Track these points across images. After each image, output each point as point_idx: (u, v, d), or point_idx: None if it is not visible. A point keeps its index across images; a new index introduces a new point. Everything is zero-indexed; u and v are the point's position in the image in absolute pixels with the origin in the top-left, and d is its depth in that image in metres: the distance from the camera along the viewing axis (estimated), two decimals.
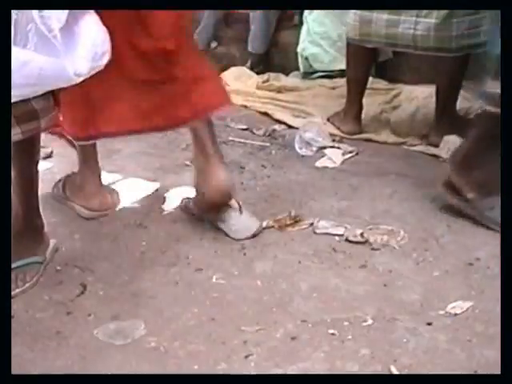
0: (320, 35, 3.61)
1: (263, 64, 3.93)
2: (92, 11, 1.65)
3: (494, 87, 2.03)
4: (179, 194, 2.41)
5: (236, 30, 4.16)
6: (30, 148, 1.88)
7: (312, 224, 2.20)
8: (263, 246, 2.10)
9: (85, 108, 2.00)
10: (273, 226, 2.19)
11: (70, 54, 1.57)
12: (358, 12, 2.82)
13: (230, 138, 2.98)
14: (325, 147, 2.83)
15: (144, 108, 2.03)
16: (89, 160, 2.31)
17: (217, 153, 2.13)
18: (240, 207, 2.16)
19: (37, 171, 1.96)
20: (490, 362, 1.58)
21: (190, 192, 2.36)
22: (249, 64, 3.91)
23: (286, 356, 1.61)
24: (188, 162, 2.64)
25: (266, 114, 3.30)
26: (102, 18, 1.66)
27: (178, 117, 2.07)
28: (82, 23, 1.62)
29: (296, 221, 2.21)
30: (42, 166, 2.47)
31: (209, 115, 2.15)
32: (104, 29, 1.66)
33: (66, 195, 2.36)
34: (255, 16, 3.87)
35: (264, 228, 2.18)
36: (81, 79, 1.62)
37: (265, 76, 3.74)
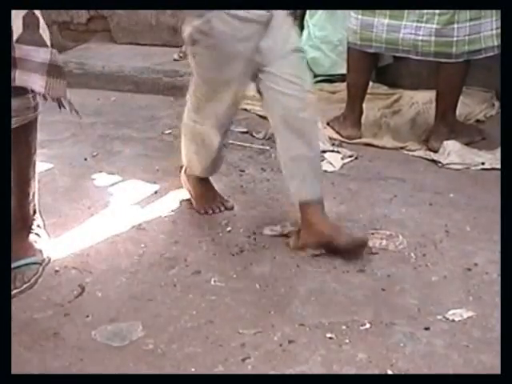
0: (321, 39, 3.61)
1: None
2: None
3: None
4: (178, 197, 2.42)
5: None
6: (27, 148, 1.88)
7: None
8: (262, 248, 2.10)
9: None
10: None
11: None
12: (359, 17, 2.83)
13: (230, 141, 2.97)
14: (324, 151, 2.82)
15: None
16: None
17: None
18: None
19: (34, 171, 1.96)
20: (487, 367, 1.58)
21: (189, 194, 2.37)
22: None
23: (283, 359, 1.61)
24: None
25: (265, 117, 3.30)
26: None
27: None
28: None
29: None
30: (42, 166, 2.49)
31: None
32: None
33: None
34: None
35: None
36: None
37: None
